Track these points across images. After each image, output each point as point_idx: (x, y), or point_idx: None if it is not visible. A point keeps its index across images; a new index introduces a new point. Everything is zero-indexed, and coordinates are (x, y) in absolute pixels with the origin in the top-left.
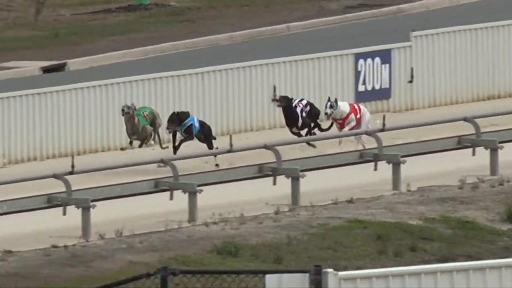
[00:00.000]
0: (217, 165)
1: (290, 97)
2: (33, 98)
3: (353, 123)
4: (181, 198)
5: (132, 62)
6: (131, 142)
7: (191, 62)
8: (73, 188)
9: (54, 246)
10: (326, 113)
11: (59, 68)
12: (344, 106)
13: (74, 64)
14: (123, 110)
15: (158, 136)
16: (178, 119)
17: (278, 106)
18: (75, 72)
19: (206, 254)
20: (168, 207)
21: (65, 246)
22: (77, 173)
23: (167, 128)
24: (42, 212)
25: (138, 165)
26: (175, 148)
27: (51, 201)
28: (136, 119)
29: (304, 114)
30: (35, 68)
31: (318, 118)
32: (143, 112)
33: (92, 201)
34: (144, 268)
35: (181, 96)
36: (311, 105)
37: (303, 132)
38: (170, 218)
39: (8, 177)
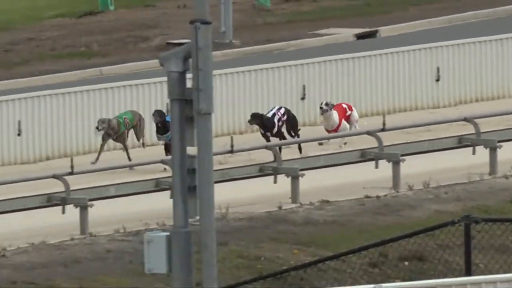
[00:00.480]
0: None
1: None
2: (350, 62)
3: (347, 131)
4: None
5: (436, 29)
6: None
7: (491, 30)
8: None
9: (367, 197)
10: (321, 108)
11: (371, 35)
12: (336, 116)
13: (384, 31)
14: (96, 128)
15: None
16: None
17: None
18: (385, 38)
19: (505, 204)
20: (470, 161)
21: (377, 197)
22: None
23: (157, 135)
24: (355, 166)
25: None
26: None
27: (262, 170)
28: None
29: (280, 123)
30: (349, 35)
31: (296, 126)
32: (124, 118)
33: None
34: (449, 217)
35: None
36: (289, 113)
37: (274, 139)
38: (472, 171)
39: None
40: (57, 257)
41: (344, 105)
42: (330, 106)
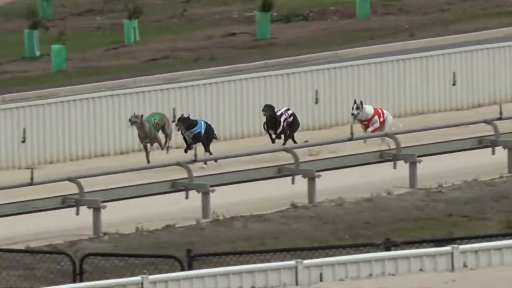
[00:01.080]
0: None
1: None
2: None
3: (377, 124)
4: None
5: None
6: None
7: None
8: None
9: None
10: (352, 114)
11: None
12: (369, 109)
13: None
14: (130, 120)
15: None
16: (187, 122)
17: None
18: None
19: None
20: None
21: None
22: None
23: (176, 125)
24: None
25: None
26: (187, 150)
27: (383, 156)
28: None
29: (285, 124)
30: None
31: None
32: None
33: None
34: None
35: None
36: (295, 116)
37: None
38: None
39: None
40: (488, 193)
41: (378, 110)
42: (360, 106)
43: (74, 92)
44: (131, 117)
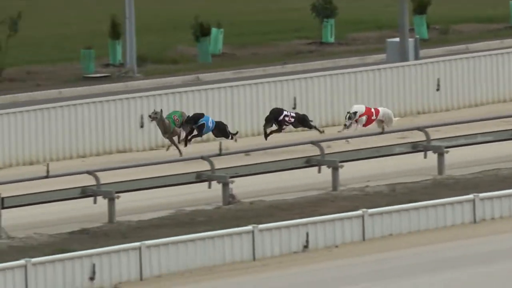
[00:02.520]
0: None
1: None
2: None
3: (364, 122)
4: None
5: None
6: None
7: None
8: None
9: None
10: (345, 125)
11: None
12: (360, 108)
13: None
14: (149, 116)
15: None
16: (193, 120)
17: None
18: None
19: None
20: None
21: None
22: None
23: (182, 126)
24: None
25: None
26: (185, 141)
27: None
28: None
29: (287, 119)
30: None
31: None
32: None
33: None
34: None
35: None
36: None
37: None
38: None
39: None
40: None
41: (372, 109)
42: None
43: None
44: (151, 113)
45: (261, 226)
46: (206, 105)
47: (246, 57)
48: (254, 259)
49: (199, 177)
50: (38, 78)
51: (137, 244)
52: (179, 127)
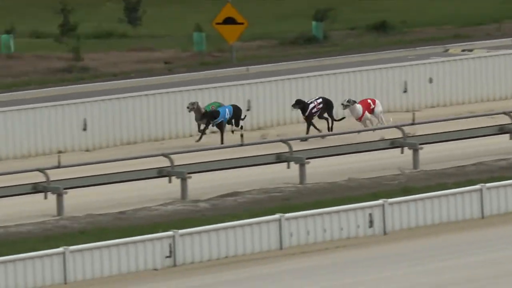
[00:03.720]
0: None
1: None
2: None
3: (368, 121)
4: None
5: None
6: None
7: None
8: None
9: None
10: (342, 104)
11: None
12: (359, 108)
13: None
14: (187, 107)
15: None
16: (211, 116)
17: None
18: None
19: None
20: None
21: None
22: None
23: (200, 120)
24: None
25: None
26: (202, 134)
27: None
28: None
29: (315, 110)
30: None
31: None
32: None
33: None
34: None
35: None
36: (327, 101)
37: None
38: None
39: None
40: None
41: (369, 100)
42: (351, 102)
43: None
44: (189, 104)
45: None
46: None
47: None
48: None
49: (279, 158)
50: None
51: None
52: (200, 119)
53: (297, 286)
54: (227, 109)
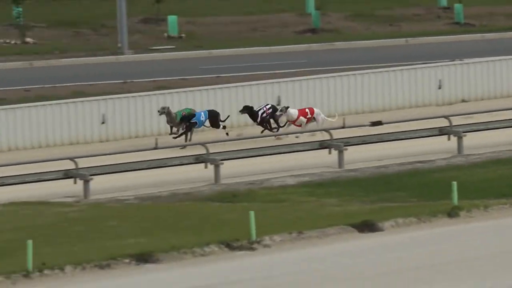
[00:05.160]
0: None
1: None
2: None
3: (303, 123)
4: None
5: None
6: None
7: None
8: None
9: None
10: (276, 114)
11: None
12: (294, 112)
13: None
14: (158, 111)
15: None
16: (187, 119)
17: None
18: None
19: None
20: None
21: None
22: None
23: (178, 125)
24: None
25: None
26: (180, 135)
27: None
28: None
29: (264, 115)
30: None
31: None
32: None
33: None
34: None
35: None
36: (273, 108)
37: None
38: None
39: None
40: None
41: (306, 109)
42: (284, 109)
43: None
44: (160, 108)
45: None
46: None
47: None
48: None
49: (322, 145)
50: None
51: None
52: (179, 123)
53: None
54: (202, 113)
